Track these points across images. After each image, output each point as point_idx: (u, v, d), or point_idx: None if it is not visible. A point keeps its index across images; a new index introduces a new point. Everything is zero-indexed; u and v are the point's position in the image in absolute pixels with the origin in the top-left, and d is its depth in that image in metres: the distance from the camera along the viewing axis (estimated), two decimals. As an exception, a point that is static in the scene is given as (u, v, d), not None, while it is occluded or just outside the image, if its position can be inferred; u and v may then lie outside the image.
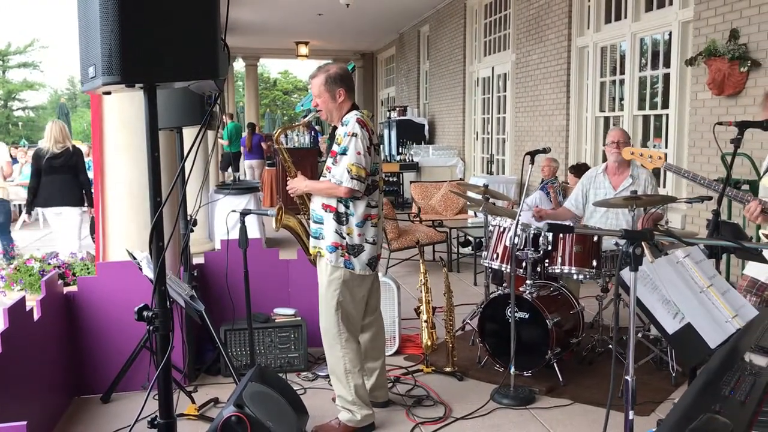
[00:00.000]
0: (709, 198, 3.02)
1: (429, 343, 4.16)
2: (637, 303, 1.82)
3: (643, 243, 1.96)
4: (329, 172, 3.32)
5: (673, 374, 4.05)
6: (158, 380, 1.99)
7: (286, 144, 12.77)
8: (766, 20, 5.35)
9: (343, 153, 3.26)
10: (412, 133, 13.97)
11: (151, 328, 1.96)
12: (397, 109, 14.95)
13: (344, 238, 3.31)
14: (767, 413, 1.73)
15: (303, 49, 18.38)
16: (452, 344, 4.24)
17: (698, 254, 2.22)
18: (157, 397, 3.74)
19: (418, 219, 7.64)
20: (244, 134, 14.66)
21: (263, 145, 14.37)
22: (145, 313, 1.95)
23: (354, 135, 3.25)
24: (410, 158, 12.78)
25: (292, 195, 3.50)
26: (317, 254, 3.41)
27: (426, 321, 4.17)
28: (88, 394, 3.99)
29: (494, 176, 10.47)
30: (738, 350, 2.06)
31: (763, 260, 2.75)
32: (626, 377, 1.76)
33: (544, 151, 4.00)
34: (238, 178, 13.92)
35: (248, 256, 3.79)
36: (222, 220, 8.02)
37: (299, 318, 4.41)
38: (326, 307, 3.39)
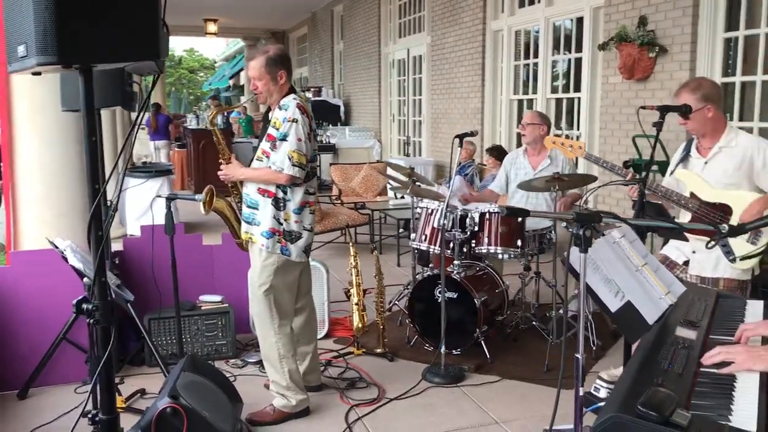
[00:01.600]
0: (644, 180, 3.16)
1: (360, 326, 4.17)
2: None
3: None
4: (267, 157, 3.25)
5: (594, 348, 4.23)
6: (100, 375, 1.90)
7: (197, 124, 12.42)
8: (671, 8, 5.61)
9: (283, 139, 3.19)
10: (327, 114, 13.86)
11: (92, 321, 1.86)
12: (312, 89, 14.79)
13: (282, 224, 3.26)
14: (703, 384, 1.84)
15: (211, 27, 17.83)
16: (383, 325, 4.27)
17: (632, 234, 2.32)
18: (78, 390, 3.59)
19: (339, 201, 7.62)
20: (149, 114, 14.12)
21: (171, 126, 13.90)
22: (84, 306, 1.86)
23: (294, 121, 3.19)
24: (327, 140, 12.70)
25: (225, 181, 3.41)
26: (249, 239, 3.34)
27: (357, 303, 4.18)
28: (4, 391, 3.77)
29: (411, 158, 10.57)
30: (669, 325, 2.18)
31: (685, 238, 2.91)
32: (577, 355, 1.83)
33: (472, 134, 4.06)
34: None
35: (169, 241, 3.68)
36: (133, 204, 7.75)
37: (226, 304, 4.32)
38: (258, 292, 3.33)
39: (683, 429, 1.55)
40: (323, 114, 13.77)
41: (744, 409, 1.69)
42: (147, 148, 14.57)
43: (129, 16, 1.76)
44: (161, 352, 4.06)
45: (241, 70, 25.62)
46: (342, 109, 14.19)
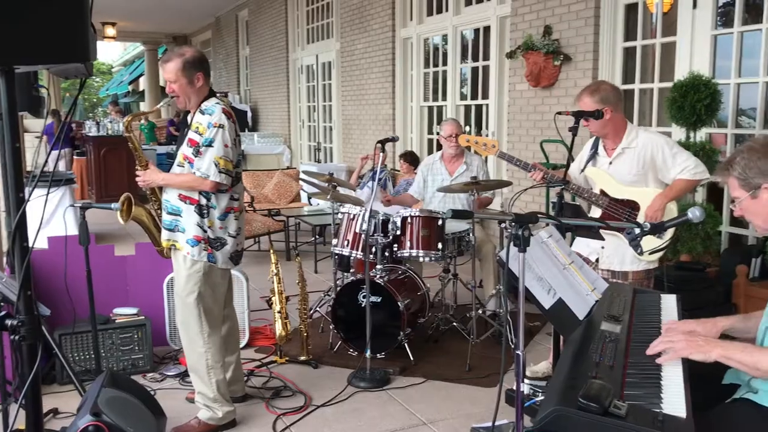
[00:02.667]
0: (567, 182, 3.30)
1: (283, 334, 4.12)
2: (516, 282, 1.95)
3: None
4: (189, 162, 3.16)
5: (513, 346, 4.34)
6: (26, 395, 1.79)
7: (98, 131, 11.91)
8: (574, 18, 5.87)
9: (209, 145, 3.11)
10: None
11: (16, 337, 1.76)
12: (218, 94, 14.46)
13: (206, 231, 3.18)
14: (632, 375, 1.94)
15: (110, 30, 17.20)
16: (307, 333, 4.24)
17: (557, 234, 2.42)
18: None
19: (252, 208, 7.50)
20: (51, 121, 13.40)
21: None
22: (8, 322, 1.75)
23: (221, 126, 3.12)
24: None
25: (142, 187, 3.30)
26: (171, 247, 3.24)
27: (280, 311, 4.12)
28: None
29: (323, 164, 10.54)
30: (594, 321, 2.28)
31: (601, 237, 3.06)
32: (518, 352, 1.88)
33: (394, 139, 4.11)
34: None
35: (79, 253, 3.52)
36: (31, 215, 7.33)
37: (143, 317, 4.17)
38: (186, 302, 3.24)
39: (622, 418, 1.63)
40: (230, 120, 13.48)
41: (673, 397, 1.79)
42: (42, 156, 13.78)
43: (55, 15, 1.67)
44: (74, 368, 3.87)
45: (141, 75, 24.81)
46: (249, 114, 13.99)
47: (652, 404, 1.75)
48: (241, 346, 4.45)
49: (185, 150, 3.17)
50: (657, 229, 2.15)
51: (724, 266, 4.44)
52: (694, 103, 4.44)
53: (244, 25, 14.92)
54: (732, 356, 1.95)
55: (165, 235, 3.26)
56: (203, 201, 3.16)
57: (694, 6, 5.01)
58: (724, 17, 5.06)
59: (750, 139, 3.22)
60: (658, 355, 2.02)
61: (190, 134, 3.17)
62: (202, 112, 3.17)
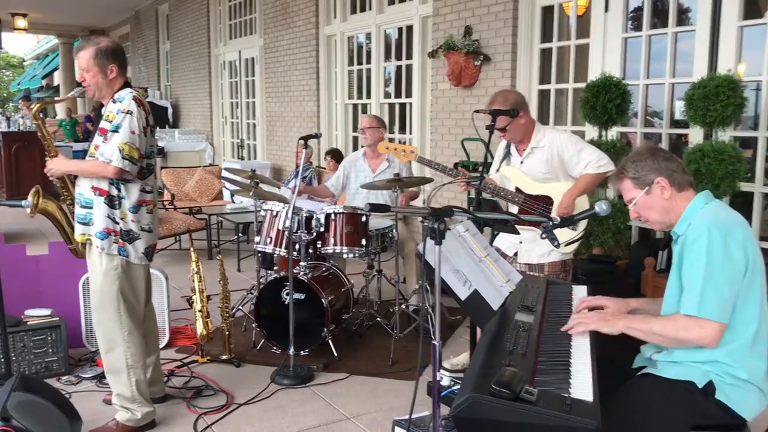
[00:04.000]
0: (482, 178, 3.39)
1: (205, 333, 4.06)
2: (433, 273, 1.99)
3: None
4: (97, 150, 3.08)
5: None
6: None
7: (8, 127, 11.39)
8: (494, 19, 6.01)
9: (115, 131, 3.03)
10: (154, 116, 13.21)
11: None
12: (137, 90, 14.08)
13: (117, 223, 3.10)
14: (543, 362, 2.02)
15: (21, 22, 16.43)
16: (229, 331, 4.19)
17: (474, 228, 2.48)
18: None
19: (172, 206, 7.35)
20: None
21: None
22: None
23: (129, 113, 3.05)
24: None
25: (51, 177, 3.19)
26: (86, 242, 3.15)
27: (201, 310, 4.06)
28: None
29: (247, 161, 10.42)
30: (509, 311, 2.36)
31: (517, 232, 3.15)
32: (434, 342, 1.93)
33: (316, 136, 4.11)
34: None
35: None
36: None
37: (57, 318, 4.03)
38: (105, 299, 3.15)
39: (532, 403, 1.71)
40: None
41: (581, 383, 1.88)
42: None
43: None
44: (-19, 374, 3.71)
45: (56, 69, 23.86)
46: (170, 111, 13.67)
47: (561, 389, 1.83)
48: (162, 346, 4.36)
49: (96, 139, 3.09)
50: (566, 222, 2.24)
51: (633, 259, 4.65)
52: (605, 102, 4.62)
53: (164, 19, 14.57)
54: (633, 326, 2.20)
55: (80, 229, 3.16)
56: (113, 192, 3.09)
57: (606, 10, 5.21)
58: (635, 21, 5.28)
59: (634, 149, 3.45)
60: (569, 343, 2.12)
61: (102, 123, 3.10)
62: (114, 101, 3.11)
